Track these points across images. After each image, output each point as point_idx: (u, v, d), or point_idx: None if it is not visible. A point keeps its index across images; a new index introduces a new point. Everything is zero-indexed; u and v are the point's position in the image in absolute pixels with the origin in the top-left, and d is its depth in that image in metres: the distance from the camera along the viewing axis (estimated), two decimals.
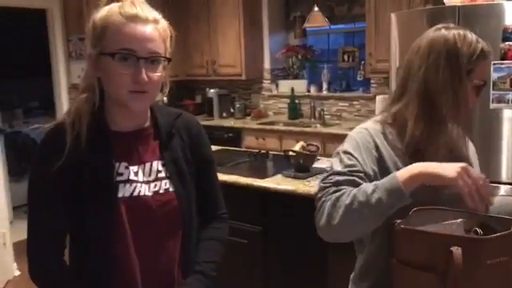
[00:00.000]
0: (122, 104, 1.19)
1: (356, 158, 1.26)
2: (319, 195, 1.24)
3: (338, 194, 1.19)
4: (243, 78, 5.30)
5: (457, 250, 1.03)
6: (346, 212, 1.16)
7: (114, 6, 1.16)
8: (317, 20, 4.09)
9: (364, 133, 1.31)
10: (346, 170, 1.25)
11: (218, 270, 1.35)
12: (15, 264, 3.78)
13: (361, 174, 1.24)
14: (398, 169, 1.23)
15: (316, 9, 3.99)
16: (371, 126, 1.34)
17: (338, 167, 1.27)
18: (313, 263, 2.44)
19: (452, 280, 1.04)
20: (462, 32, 1.29)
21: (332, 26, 4.86)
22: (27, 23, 5.44)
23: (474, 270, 1.04)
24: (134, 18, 1.14)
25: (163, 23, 1.20)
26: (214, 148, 3.41)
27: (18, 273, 3.77)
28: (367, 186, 1.17)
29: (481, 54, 1.28)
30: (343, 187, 1.21)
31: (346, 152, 1.29)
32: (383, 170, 1.26)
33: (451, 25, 1.33)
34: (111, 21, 1.14)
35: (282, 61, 5.45)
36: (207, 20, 5.41)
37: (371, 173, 1.25)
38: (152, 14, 1.18)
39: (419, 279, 1.08)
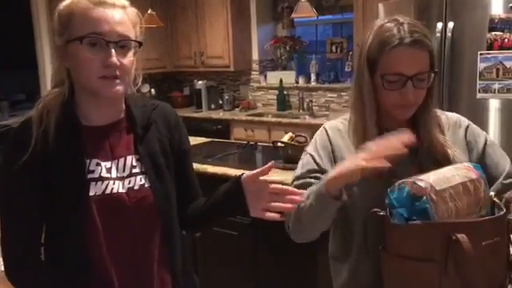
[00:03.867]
0: (93, 93, 1.14)
1: (313, 158, 1.34)
2: None
3: None
4: (231, 69, 5.29)
5: (463, 238, 1.04)
6: (294, 221, 1.29)
7: None
8: (304, 10, 4.06)
9: (322, 131, 1.39)
10: (304, 171, 1.35)
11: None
12: (1, 259, 3.74)
13: (317, 175, 1.30)
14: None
15: None
16: (332, 123, 1.40)
17: (298, 170, 1.37)
18: (302, 254, 2.45)
19: (453, 266, 1.06)
20: (388, 21, 1.22)
21: (320, 17, 4.85)
22: (12, 13, 5.35)
23: (473, 253, 1.06)
24: (101, 3, 1.11)
25: (132, 9, 1.17)
26: (202, 140, 3.41)
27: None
28: (307, 192, 1.24)
29: (385, 44, 1.19)
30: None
31: (307, 153, 1.38)
32: (341, 159, 1.30)
33: (396, 16, 1.24)
34: (77, 6, 1.10)
35: (270, 52, 5.44)
36: (195, 11, 5.37)
37: (330, 169, 1.29)
38: (120, 0, 1.14)
39: (416, 269, 1.09)
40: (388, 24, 1.22)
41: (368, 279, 1.28)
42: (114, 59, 1.10)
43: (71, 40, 1.11)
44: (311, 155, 1.36)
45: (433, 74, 1.23)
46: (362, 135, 1.27)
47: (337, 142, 1.34)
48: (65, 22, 1.12)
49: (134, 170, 1.22)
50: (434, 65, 1.23)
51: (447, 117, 1.36)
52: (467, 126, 1.36)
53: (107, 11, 1.10)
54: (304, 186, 1.30)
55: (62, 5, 1.13)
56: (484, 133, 1.36)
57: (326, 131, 1.38)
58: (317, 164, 1.33)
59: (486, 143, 1.33)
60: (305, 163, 1.37)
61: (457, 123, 1.36)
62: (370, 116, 1.25)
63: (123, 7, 1.14)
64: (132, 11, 1.17)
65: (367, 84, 1.23)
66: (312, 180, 1.31)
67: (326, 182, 1.17)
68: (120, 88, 1.14)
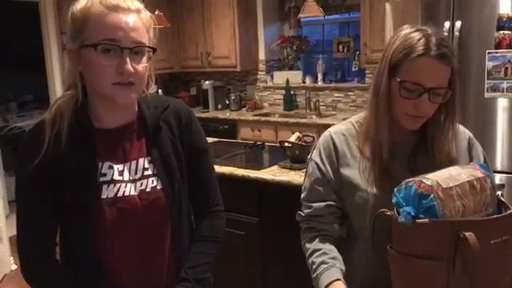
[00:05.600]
0: (106, 98, 1.14)
1: (318, 165, 1.38)
2: (300, 224, 1.47)
3: (306, 245, 1.42)
4: (238, 69, 5.29)
5: (471, 236, 1.04)
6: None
7: None
8: (311, 10, 4.07)
9: (326, 136, 1.40)
10: (311, 181, 1.38)
11: (211, 269, 1.32)
12: (12, 258, 3.77)
13: (323, 183, 1.36)
14: (359, 165, 1.32)
15: None
16: (336, 128, 1.40)
17: (306, 180, 1.42)
18: None
19: (461, 264, 1.06)
20: (414, 30, 1.21)
21: (327, 17, 4.85)
22: (20, 15, 5.39)
23: (481, 252, 1.06)
24: (116, 8, 1.09)
25: (146, 13, 1.16)
26: (209, 140, 3.41)
27: (14, 267, 3.76)
28: (315, 268, 1.34)
29: (411, 51, 1.17)
30: (310, 228, 1.41)
31: (312, 159, 1.41)
32: (346, 166, 1.34)
33: (424, 27, 1.23)
34: (92, 11, 1.09)
35: (276, 52, 5.44)
36: (201, 11, 5.38)
37: (333, 178, 1.36)
38: (134, 3, 1.13)
39: (424, 268, 1.09)
40: (416, 32, 1.20)
41: (371, 277, 1.28)
42: (129, 66, 1.09)
43: (85, 46, 1.10)
44: (316, 163, 1.39)
45: (450, 92, 1.21)
46: (372, 136, 1.29)
47: (342, 148, 1.35)
48: (78, 27, 1.11)
49: (146, 172, 1.22)
50: (454, 82, 1.22)
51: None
52: (469, 137, 1.38)
53: (122, 16, 1.09)
54: (313, 196, 1.38)
55: (76, 8, 1.12)
56: (481, 148, 1.39)
57: (331, 137, 1.38)
58: (321, 173, 1.37)
59: (485, 160, 1.37)
60: (310, 172, 1.40)
61: (460, 132, 1.36)
62: (384, 118, 1.25)
63: (137, 11, 1.13)
64: (146, 15, 1.16)
65: (384, 87, 1.23)
66: (319, 188, 1.36)
67: None
68: (134, 95, 1.15)
